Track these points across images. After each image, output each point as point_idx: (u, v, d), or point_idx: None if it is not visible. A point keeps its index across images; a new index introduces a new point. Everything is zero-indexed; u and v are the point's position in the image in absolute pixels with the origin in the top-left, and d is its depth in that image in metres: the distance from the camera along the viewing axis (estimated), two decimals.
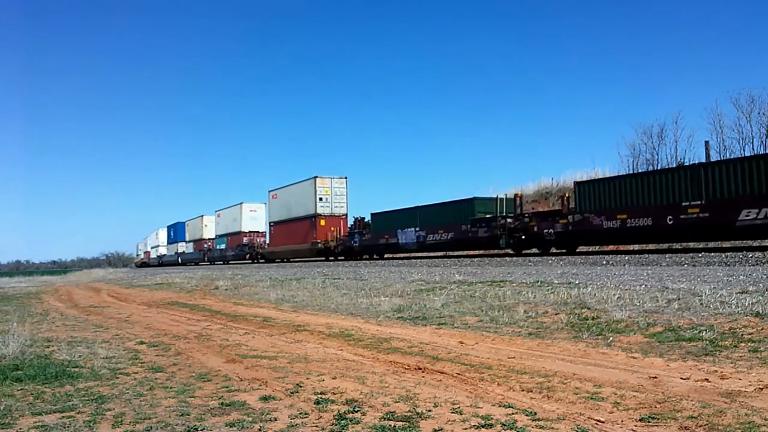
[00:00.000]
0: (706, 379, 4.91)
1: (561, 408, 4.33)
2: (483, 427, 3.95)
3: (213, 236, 56.18)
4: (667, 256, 15.16)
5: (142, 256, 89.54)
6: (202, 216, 59.50)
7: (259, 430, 4.06)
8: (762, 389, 4.52)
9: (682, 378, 5.00)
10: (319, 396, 4.94)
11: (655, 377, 5.09)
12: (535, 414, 4.18)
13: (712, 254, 14.40)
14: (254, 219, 49.19)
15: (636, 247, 20.67)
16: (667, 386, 4.79)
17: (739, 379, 4.84)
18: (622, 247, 21.26)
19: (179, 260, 64.44)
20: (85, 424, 4.32)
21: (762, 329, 6.22)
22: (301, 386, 5.34)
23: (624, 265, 14.40)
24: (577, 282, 10.75)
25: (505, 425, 3.94)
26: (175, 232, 67.61)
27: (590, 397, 4.57)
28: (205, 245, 56.59)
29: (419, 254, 28.85)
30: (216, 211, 55.64)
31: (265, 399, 4.90)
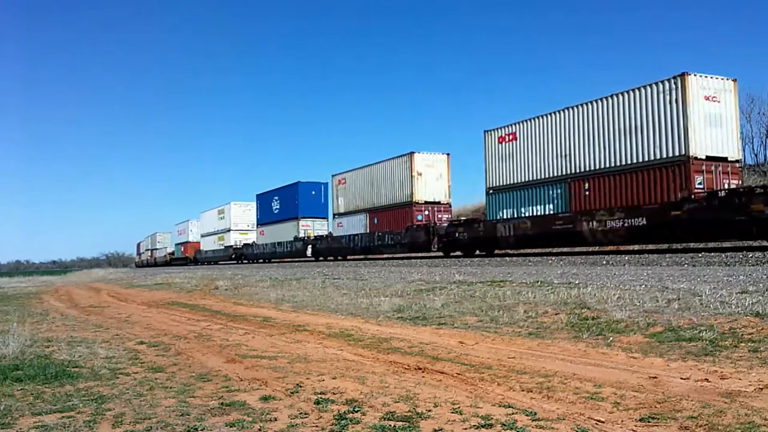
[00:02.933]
0: (706, 379, 4.90)
1: (561, 408, 4.33)
2: (483, 427, 3.95)
3: (442, 199, 27.72)
4: (667, 256, 15.17)
5: (169, 250, 67.28)
6: (413, 154, 27.30)
7: (259, 430, 4.06)
8: (762, 389, 4.52)
9: (682, 378, 5.00)
10: (319, 396, 4.94)
11: (655, 377, 5.09)
12: (535, 414, 4.18)
13: (712, 254, 14.41)
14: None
15: (636, 247, 20.75)
16: (667, 386, 4.79)
17: (739, 379, 4.84)
18: (622, 248, 21.32)
19: (308, 252, 36.15)
20: (85, 424, 4.32)
21: (762, 329, 6.21)
22: (301, 386, 5.34)
23: (624, 265, 14.39)
24: (577, 282, 10.74)
25: (505, 425, 3.94)
26: (286, 204, 39.22)
27: (590, 397, 4.57)
28: (419, 215, 27.09)
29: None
30: (490, 130, 23.20)
31: (265, 399, 4.90)
